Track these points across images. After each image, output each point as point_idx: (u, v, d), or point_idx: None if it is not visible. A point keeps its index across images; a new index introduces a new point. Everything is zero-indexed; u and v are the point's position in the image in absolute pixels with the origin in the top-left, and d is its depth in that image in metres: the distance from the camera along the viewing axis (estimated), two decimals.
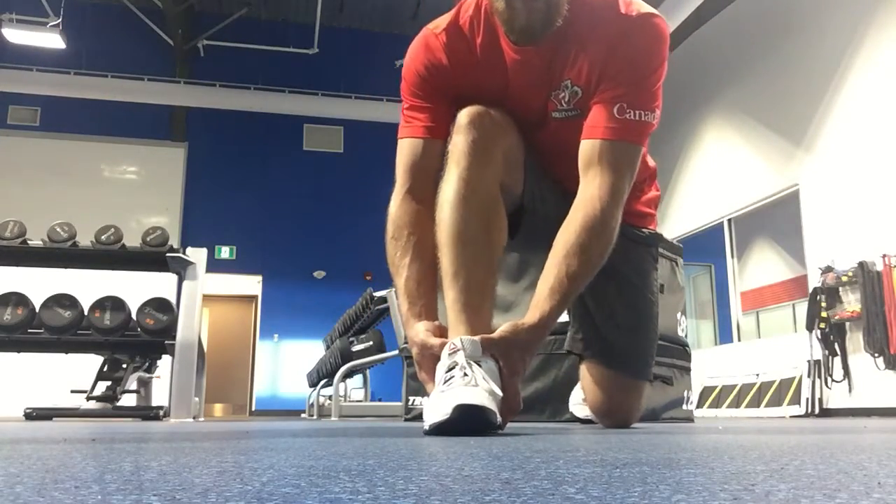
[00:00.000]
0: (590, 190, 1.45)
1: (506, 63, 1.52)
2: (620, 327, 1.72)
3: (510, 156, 1.53)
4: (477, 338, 1.26)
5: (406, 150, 1.56)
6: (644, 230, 1.80)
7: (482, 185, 1.44)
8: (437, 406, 1.19)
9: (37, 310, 4.24)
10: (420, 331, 1.37)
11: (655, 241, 1.87)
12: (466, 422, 1.13)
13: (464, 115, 1.47)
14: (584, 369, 1.78)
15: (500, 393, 1.21)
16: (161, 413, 4.13)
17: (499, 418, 1.19)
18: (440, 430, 1.16)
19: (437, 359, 1.29)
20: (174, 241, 4.92)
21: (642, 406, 1.81)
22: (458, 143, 1.45)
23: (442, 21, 1.56)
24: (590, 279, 1.43)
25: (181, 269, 4.34)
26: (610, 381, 1.72)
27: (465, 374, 1.19)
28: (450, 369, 1.22)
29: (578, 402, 2.10)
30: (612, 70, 1.46)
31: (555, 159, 1.64)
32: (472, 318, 1.34)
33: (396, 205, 1.53)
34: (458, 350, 1.23)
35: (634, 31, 1.45)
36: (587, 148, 1.48)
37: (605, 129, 1.46)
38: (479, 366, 1.22)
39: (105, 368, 4.53)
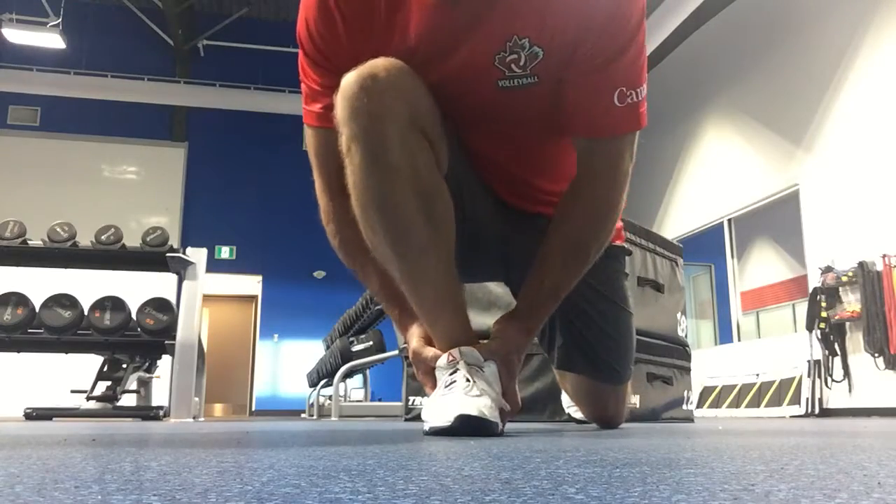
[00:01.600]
0: (589, 187, 1.29)
1: (417, 22, 1.17)
2: (597, 340, 1.61)
3: (425, 122, 1.17)
4: (475, 349, 1.21)
5: (309, 138, 1.32)
6: (613, 244, 1.67)
7: (401, 174, 1.12)
8: (438, 410, 1.17)
9: (37, 310, 4.24)
10: (413, 337, 1.32)
11: (622, 254, 1.75)
12: (466, 432, 1.11)
13: (350, 79, 1.10)
14: (565, 380, 1.76)
15: (502, 400, 1.20)
16: (161, 413, 4.13)
17: (500, 426, 1.18)
18: (440, 434, 1.16)
19: (431, 368, 1.26)
20: (174, 241, 4.91)
21: (626, 407, 1.81)
22: (350, 117, 1.10)
23: None
24: (583, 274, 1.34)
25: (181, 269, 4.34)
26: (594, 391, 1.69)
27: (468, 381, 1.17)
28: (452, 373, 1.20)
29: (571, 404, 2.12)
30: (593, 28, 1.14)
31: (495, 151, 1.35)
32: (452, 330, 1.24)
33: (323, 201, 1.33)
34: (458, 359, 1.20)
35: None
36: (589, 146, 1.27)
37: (611, 124, 1.21)
38: (482, 370, 1.20)
39: (105, 368, 4.53)
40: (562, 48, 1.15)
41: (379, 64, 1.11)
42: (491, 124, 1.30)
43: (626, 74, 1.18)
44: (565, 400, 2.17)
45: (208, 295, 5.62)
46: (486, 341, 1.27)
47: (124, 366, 4.53)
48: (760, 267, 9.28)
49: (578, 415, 2.09)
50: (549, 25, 1.14)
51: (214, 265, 6.46)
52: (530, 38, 1.14)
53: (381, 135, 1.10)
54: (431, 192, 1.17)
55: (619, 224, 1.67)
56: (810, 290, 6.93)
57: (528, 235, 1.42)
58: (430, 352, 1.27)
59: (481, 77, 1.18)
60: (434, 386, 1.26)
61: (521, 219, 1.48)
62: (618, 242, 1.71)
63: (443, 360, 1.22)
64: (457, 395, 1.15)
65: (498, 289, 2.65)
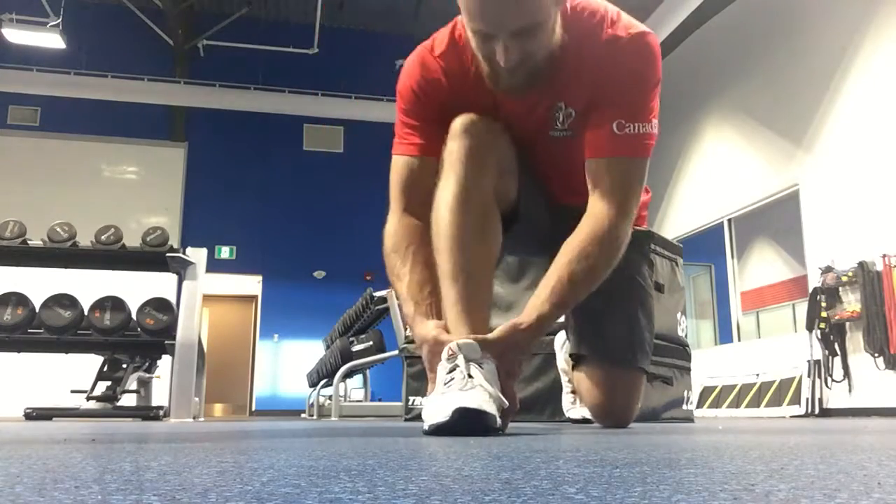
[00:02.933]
0: (598, 206, 1.47)
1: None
2: (615, 318, 1.73)
3: (504, 162, 1.55)
4: (474, 340, 1.26)
5: (400, 167, 1.59)
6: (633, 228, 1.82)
7: (478, 190, 1.46)
8: (437, 407, 1.19)
9: (37, 310, 4.24)
10: (431, 328, 1.37)
11: (646, 239, 1.92)
12: (465, 425, 1.13)
13: (458, 123, 1.49)
14: (580, 375, 1.77)
15: (501, 396, 1.21)
16: (161, 413, 4.13)
17: (499, 421, 1.19)
18: (439, 431, 1.16)
19: None
20: (174, 241, 4.92)
21: (639, 404, 1.81)
22: (454, 150, 1.47)
23: (439, 39, 1.56)
24: (592, 288, 1.45)
25: (181, 269, 4.34)
26: (608, 379, 1.71)
27: (466, 377, 1.19)
28: (450, 371, 1.22)
29: (570, 406, 2.13)
30: (606, 93, 1.47)
31: (550, 173, 1.68)
32: (472, 320, 1.34)
33: (393, 222, 1.56)
34: (457, 353, 1.23)
35: (627, 53, 1.45)
36: (592, 167, 1.50)
37: (608, 147, 1.48)
38: (481, 367, 1.22)
39: (105, 368, 4.53)
40: (589, 109, 1.51)
41: (478, 116, 1.50)
42: (550, 156, 1.65)
43: (628, 110, 1.47)
44: (565, 402, 2.18)
45: (208, 295, 5.63)
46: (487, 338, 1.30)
47: (124, 366, 4.54)
48: (760, 267, 9.28)
49: (578, 415, 2.09)
50: (582, 95, 1.50)
51: (214, 265, 6.46)
52: (565, 102, 1.53)
53: (472, 168, 1.47)
54: (487, 212, 1.51)
55: (645, 198, 1.85)
56: (810, 290, 6.93)
57: (571, 223, 1.59)
58: (450, 338, 1.32)
59: (540, 127, 1.58)
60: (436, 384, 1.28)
61: (566, 210, 1.65)
62: (637, 227, 1.81)
63: (444, 353, 1.25)
64: (455, 389, 1.18)
65: (499, 289, 2.66)
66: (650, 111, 1.49)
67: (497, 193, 1.52)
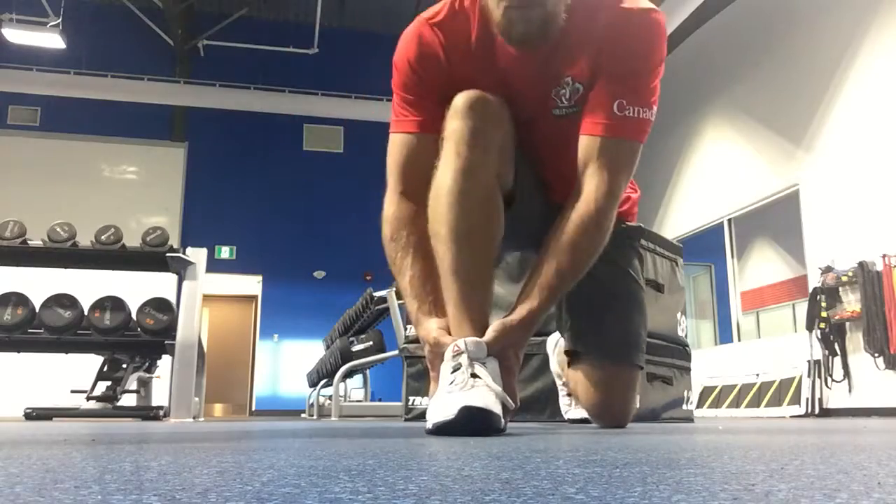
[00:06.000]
0: (587, 188, 1.43)
1: (501, 60, 1.47)
2: (612, 315, 1.70)
3: (506, 146, 1.47)
4: (481, 339, 1.25)
5: (398, 146, 1.52)
6: (623, 223, 1.79)
7: (482, 176, 1.39)
8: (442, 405, 1.18)
9: (37, 310, 4.24)
10: (433, 329, 1.36)
11: (638, 234, 1.89)
12: (470, 424, 1.13)
13: (461, 99, 1.40)
14: (577, 375, 1.75)
15: (506, 396, 1.21)
16: (161, 413, 4.13)
17: (503, 421, 1.19)
18: (443, 430, 1.16)
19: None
20: (174, 241, 4.91)
21: (636, 404, 1.81)
22: (457, 130, 1.39)
23: (438, 10, 1.49)
24: (579, 277, 1.42)
25: (181, 269, 4.34)
26: (606, 377, 1.69)
27: (472, 376, 1.19)
28: (455, 370, 1.21)
29: (568, 408, 2.13)
30: (611, 64, 1.43)
31: (548, 157, 1.61)
32: (475, 316, 1.32)
33: (392, 205, 1.51)
34: (463, 352, 1.22)
35: (634, 25, 1.43)
36: (586, 143, 1.45)
37: (605, 125, 1.43)
38: (485, 366, 1.22)
39: (105, 368, 4.53)
40: (592, 80, 1.45)
41: (482, 93, 1.41)
42: (546, 138, 1.57)
43: (632, 90, 1.42)
44: (563, 405, 2.18)
45: (208, 295, 5.63)
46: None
47: (124, 366, 4.53)
48: (760, 267, 9.28)
49: (576, 415, 2.09)
50: (589, 67, 1.44)
51: (214, 265, 6.47)
52: (573, 76, 1.46)
53: (476, 151, 1.38)
54: (491, 197, 1.43)
55: (634, 196, 1.85)
56: (810, 290, 6.93)
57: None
58: (451, 339, 1.30)
59: (542, 106, 1.50)
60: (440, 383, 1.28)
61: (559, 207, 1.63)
62: (627, 223, 1.82)
63: (448, 351, 1.24)
64: (461, 389, 1.18)
65: (499, 289, 2.65)
66: (651, 93, 1.45)
67: (498, 177, 1.45)
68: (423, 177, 1.44)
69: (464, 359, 1.22)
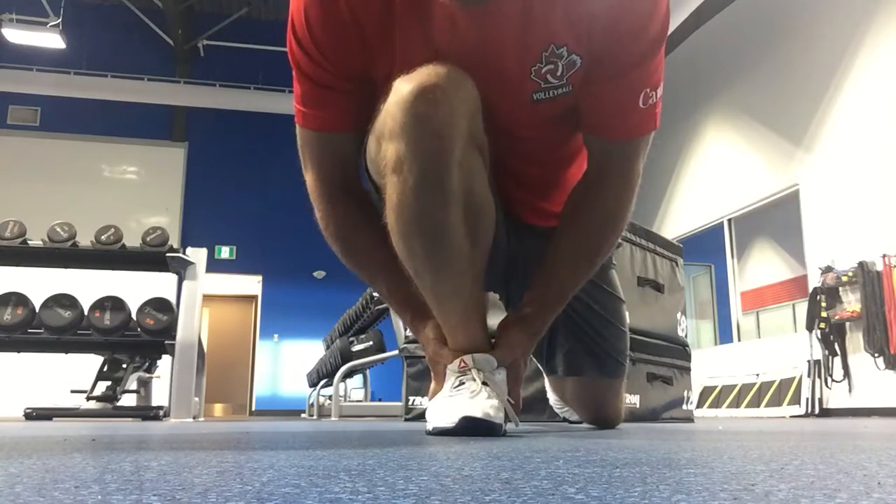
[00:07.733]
0: (606, 185, 1.25)
1: (440, 25, 1.07)
2: (604, 328, 1.60)
3: (477, 135, 1.10)
4: (490, 356, 1.19)
5: (313, 144, 1.28)
6: None
7: (455, 199, 1.06)
8: (443, 410, 1.17)
9: (37, 310, 4.24)
10: (430, 339, 1.27)
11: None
12: (470, 434, 1.11)
13: (407, 87, 1.00)
14: (569, 388, 1.72)
15: (510, 406, 1.19)
16: (161, 413, 4.13)
17: (504, 429, 1.17)
18: (442, 435, 1.15)
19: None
20: (174, 241, 4.91)
21: (624, 405, 1.79)
22: (410, 133, 1.00)
23: None
24: (588, 278, 1.34)
25: (181, 269, 4.34)
26: (599, 391, 1.66)
27: (477, 386, 1.16)
28: (462, 376, 1.19)
29: (560, 407, 2.09)
30: (623, 32, 1.08)
31: (515, 162, 1.29)
32: (474, 331, 1.21)
33: (328, 217, 1.26)
34: (471, 368, 1.18)
35: None
36: (605, 148, 1.22)
37: (633, 126, 1.18)
38: (493, 377, 1.18)
39: (105, 368, 4.53)
40: (591, 54, 1.10)
41: (441, 73, 1.00)
42: (515, 137, 1.23)
43: (651, 76, 1.14)
44: (552, 400, 2.16)
45: (208, 295, 5.62)
46: (493, 350, 1.24)
47: (124, 366, 4.53)
48: (760, 267, 9.27)
49: (573, 416, 2.08)
50: (584, 32, 1.08)
51: (214, 265, 6.46)
52: (568, 45, 1.08)
53: (442, 157, 1.02)
54: (478, 211, 1.13)
55: None
56: (810, 290, 6.93)
57: (530, 246, 1.42)
58: (447, 355, 1.23)
59: (514, 91, 1.12)
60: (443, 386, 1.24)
61: (526, 230, 1.44)
62: None
63: (454, 365, 1.20)
64: (464, 397, 1.14)
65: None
66: (662, 67, 1.16)
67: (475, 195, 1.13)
68: (350, 169, 1.24)
69: (473, 372, 1.17)
